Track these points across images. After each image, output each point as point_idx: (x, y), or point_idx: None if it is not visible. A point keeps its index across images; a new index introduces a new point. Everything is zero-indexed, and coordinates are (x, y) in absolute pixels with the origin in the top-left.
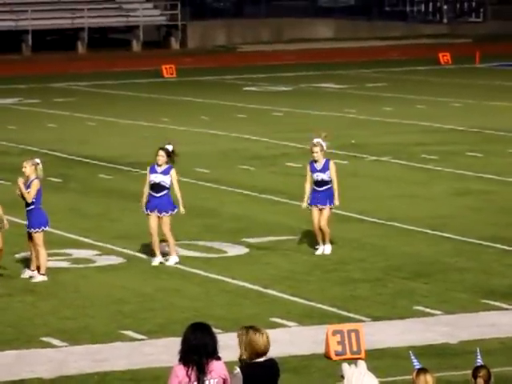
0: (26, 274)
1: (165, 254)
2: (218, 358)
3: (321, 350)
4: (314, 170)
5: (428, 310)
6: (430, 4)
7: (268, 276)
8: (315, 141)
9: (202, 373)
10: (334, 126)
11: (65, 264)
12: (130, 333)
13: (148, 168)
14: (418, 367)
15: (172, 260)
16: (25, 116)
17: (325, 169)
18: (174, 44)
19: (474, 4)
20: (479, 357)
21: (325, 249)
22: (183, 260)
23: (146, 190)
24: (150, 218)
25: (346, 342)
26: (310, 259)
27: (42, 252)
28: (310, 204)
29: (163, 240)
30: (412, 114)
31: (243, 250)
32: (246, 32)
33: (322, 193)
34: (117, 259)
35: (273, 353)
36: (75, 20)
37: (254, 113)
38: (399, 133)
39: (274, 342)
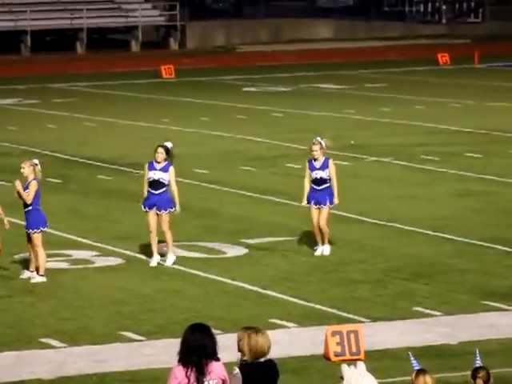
0: (26, 274)
1: (163, 255)
2: (218, 359)
3: (320, 351)
4: (312, 168)
5: (428, 311)
6: (429, 4)
7: (268, 277)
8: (315, 139)
9: (201, 374)
10: (333, 126)
11: (64, 265)
12: (129, 334)
13: (146, 165)
14: (417, 368)
15: (169, 260)
16: (24, 117)
17: (324, 167)
18: (173, 44)
19: (472, 4)
20: (478, 358)
21: (324, 249)
22: (183, 261)
23: (146, 186)
24: (149, 216)
25: (346, 343)
26: (310, 260)
27: (41, 253)
28: (309, 203)
29: (162, 241)
30: (411, 115)
31: (243, 251)
32: (245, 32)
33: (320, 191)
34: (116, 260)
35: (272, 354)
36: (74, 20)
37: (253, 113)
38: (399, 134)
39: (274, 342)
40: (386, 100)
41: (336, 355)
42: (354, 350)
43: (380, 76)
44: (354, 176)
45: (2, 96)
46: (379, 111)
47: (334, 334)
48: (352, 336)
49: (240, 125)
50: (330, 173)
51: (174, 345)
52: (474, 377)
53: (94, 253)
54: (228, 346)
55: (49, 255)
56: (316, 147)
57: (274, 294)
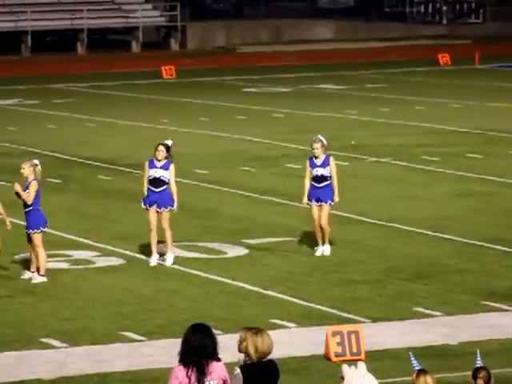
0: (26, 275)
1: (162, 255)
2: (218, 360)
3: (320, 351)
4: (313, 166)
5: (428, 311)
6: (430, 5)
7: (268, 277)
8: (316, 137)
9: (201, 374)
10: (334, 127)
11: (64, 265)
12: (129, 334)
13: (146, 162)
14: (417, 368)
15: (169, 260)
16: (24, 117)
17: (325, 164)
18: (174, 45)
19: (473, 5)
20: (479, 358)
21: (324, 250)
22: (183, 261)
23: (146, 184)
24: (149, 213)
25: (346, 343)
26: (310, 260)
27: (41, 253)
28: (310, 200)
29: (161, 241)
30: (411, 115)
31: (243, 251)
32: (245, 33)
33: (321, 189)
34: (116, 260)
35: (272, 354)
36: (74, 21)
37: (254, 114)
38: (400, 134)
39: (274, 343)
40: (387, 100)
41: (336, 355)
42: (354, 350)
43: (380, 77)
44: (353, 176)
45: (2, 96)
46: (380, 112)
47: (334, 334)
48: (353, 336)
49: (240, 125)
50: (331, 170)
51: (174, 345)
52: (475, 377)
53: (95, 253)
54: (229, 346)
55: (49, 255)
56: (317, 145)
57: (274, 294)
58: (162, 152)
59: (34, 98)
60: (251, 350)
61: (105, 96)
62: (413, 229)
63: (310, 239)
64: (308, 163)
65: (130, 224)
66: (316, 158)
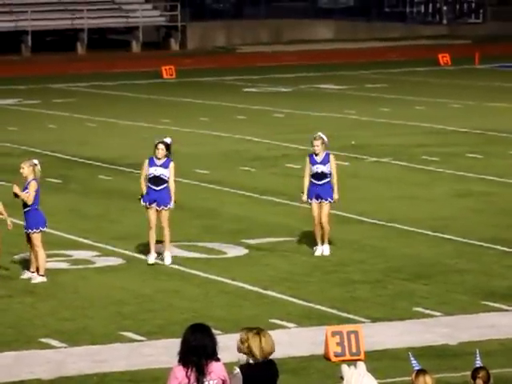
0: (26, 275)
1: (160, 254)
2: (218, 360)
3: (320, 351)
4: (314, 162)
5: (428, 311)
6: (430, 5)
7: (267, 277)
8: (316, 134)
9: (201, 374)
10: (334, 127)
11: (64, 265)
12: (129, 334)
13: (146, 160)
14: (417, 368)
15: (167, 259)
16: (25, 117)
17: (325, 161)
18: (174, 45)
19: (473, 5)
20: (478, 358)
21: (323, 249)
22: (183, 261)
23: (144, 182)
24: (150, 212)
25: (346, 343)
26: (310, 260)
27: (41, 253)
28: (310, 198)
29: (160, 241)
30: (411, 115)
31: (243, 251)
32: (245, 33)
33: (321, 186)
34: (116, 260)
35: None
36: (75, 21)
37: (254, 114)
38: (400, 134)
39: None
40: (387, 100)
41: (336, 355)
42: (354, 350)
43: (380, 76)
44: (353, 176)
45: (2, 96)
46: (380, 112)
47: (334, 334)
48: (352, 336)
49: (240, 125)
50: (331, 168)
51: (174, 345)
52: (474, 377)
53: (94, 253)
54: (228, 346)
55: (49, 255)
56: (317, 142)
57: (274, 294)
58: (161, 150)
59: (34, 98)
60: (256, 351)
61: (105, 96)
62: (413, 229)
63: (309, 239)
64: (308, 160)
65: (130, 224)
66: (316, 155)
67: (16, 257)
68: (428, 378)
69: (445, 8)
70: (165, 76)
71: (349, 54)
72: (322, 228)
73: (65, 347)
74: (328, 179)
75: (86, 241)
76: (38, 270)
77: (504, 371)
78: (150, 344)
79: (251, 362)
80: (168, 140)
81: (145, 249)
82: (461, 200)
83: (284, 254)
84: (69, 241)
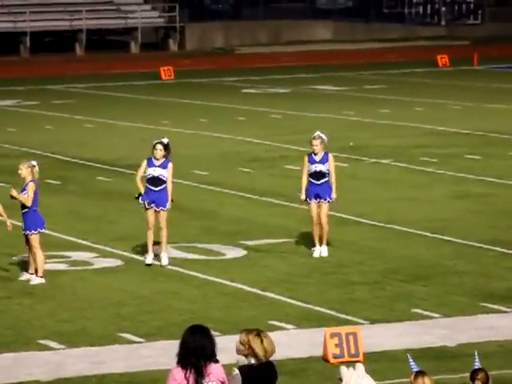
0: (25, 276)
1: (158, 255)
2: (217, 361)
3: (319, 352)
4: (312, 161)
5: (426, 312)
6: (428, 6)
7: (266, 278)
8: (315, 134)
9: (200, 375)
10: (332, 128)
11: (63, 266)
12: (127, 335)
13: (145, 160)
14: (415, 370)
15: (164, 260)
16: (23, 118)
17: (324, 160)
18: (172, 46)
19: (471, 6)
20: (477, 360)
21: (322, 251)
22: (181, 262)
23: (140, 181)
24: (149, 212)
25: (344, 344)
26: (308, 261)
27: (39, 254)
28: (309, 198)
29: (157, 242)
30: (410, 117)
31: (241, 253)
32: (244, 34)
33: (319, 186)
34: (115, 261)
35: None
36: (73, 22)
37: (252, 115)
38: (398, 135)
39: None
40: (385, 101)
41: (335, 357)
42: (352, 351)
43: (379, 77)
44: (352, 177)
45: (1, 97)
46: (378, 113)
47: (332, 335)
48: (351, 338)
49: (239, 126)
50: (330, 167)
51: (172, 346)
52: (473, 379)
53: (93, 254)
54: (227, 348)
55: (48, 257)
56: (317, 141)
57: (272, 295)
58: (160, 151)
59: (32, 99)
60: (260, 352)
61: (104, 97)
62: (411, 230)
63: (308, 240)
64: (306, 159)
65: (129, 225)
66: (315, 154)
67: (15, 258)
68: (427, 380)
69: (443, 9)
70: (163, 77)
71: (347, 55)
72: (321, 228)
73: (63, 349)
74: (326, 179)
75: (84, 242)
76: (36, 272)
77: (502, 373)
78: (148, 345)
79: (253, 363)
80: (165, 140)
81: (143, 250)
82: (460, 201)
83: (282, 255)
84: (67, 242)
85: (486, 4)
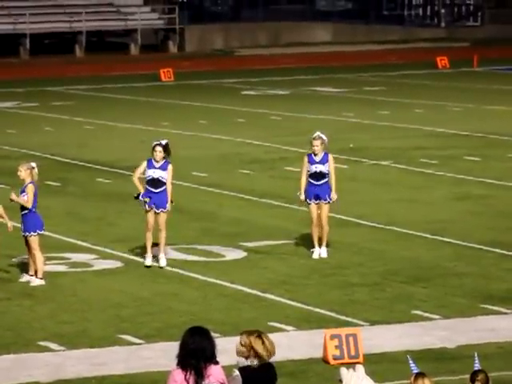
0: (25, 278)
1: (155, 256)
2: (216, 363)
3: (319, 354)
4: (312, 162)
5: (426, 314)
6: (428, 8)
7: (266, 280)
8: (316, 134)
9: (200, 377)
10: (332, 129)
11: (63, 268)
12: (127, 337)
13: (145, 161)
14: (415, 371)
15: (162, 261)
16: (23, 120)
17: (324, 161)
18: (172, 48)
19: (471, 8)
20: (477, 361)
21: (321, 252)
22: (181, 264)
23: (138, 181)
24: (148, 214)
25: (344, 346)
26: (308, 263)
27: (39, 256)
28: (309, 199)
29: (156, 243)
30: (410, 118)
31: (241, 254)
32: (243, 36)
33: (319, 187)
34: (115, 263)
35: None
36: (73, 23)
37: (252, 117)
38: (398, 137)
39: None
40: (385, 103)
41: (335, 358)
42: (352, 353)
43: (379, 79)
44: (352, 179)
45: (0, 99)
46: (378, 114)
47: (332, 337)
48: (351, 339)
49: (238, 128)
50: (330, 168)
51: (172, 348)
52: (473, 380)
53: (93, 256)
54: (227, 350)
55: (47, 258)
56: (317, 142)
57: (272, 297)
58: (159, 153)
59: (32, 101)
60: (263, 352)
61: (104, 99)
62: (411, 232)
63: (307, 242)
64: (306, 159)
65: (129, 227)
66: (315, 154)
67: (15, 260)
68: (427, 381)
69: (443, 11)
70: (163, 79)
71: (347, 57)
72: (321, 229)
73: (63, 350)
74: (326, 179)
75: (84, 244)
76: (36, 273)
77: (502, 374)
78: (148, 347)
79: (254, 364)
80: (164, 141)
81: (143, 251)
82: (459, 203)
83: (282, 256)
84: (67, 244)
85: (485, 6)
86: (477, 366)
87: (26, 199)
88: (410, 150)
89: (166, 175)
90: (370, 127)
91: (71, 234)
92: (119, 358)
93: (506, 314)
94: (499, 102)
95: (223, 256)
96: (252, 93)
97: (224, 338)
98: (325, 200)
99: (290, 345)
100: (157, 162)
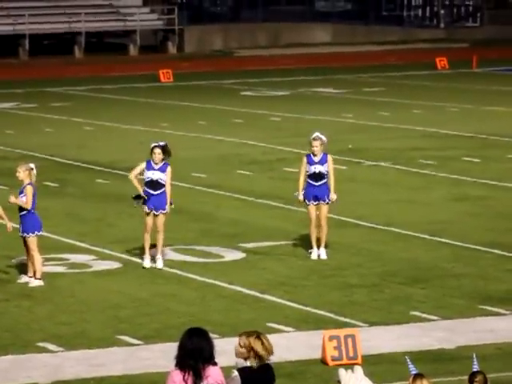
0: (23, 279)
1: (153, 257)
2: (215, 364)
3: (317, 355)
4: (311, 162)
5: (425, 315)
6: (427, 9)
7: (265, 281)
8: (315, 135)
9: (198, 378)
10: (331, 130)
11: (61, 269)
12: (126, 338)
13: (144, 162)
14: (414, 372)
15: (159, 263)
16: (22, 120)
17: (323, 161)
18: (171, 48)
19: (470, 9)
20: (475, 362)
21: (320, 253)
22: (180, 265)
23: (136, 181)
24: (148, 216)
25: (343, 347)
26: (307, 264)
27: (37, 257)
28: (308, 200)
29: (154, 244)
30: (409, 119)
31: (240, 255)
32: (243, 36)
33: (318, 188)
34: (113, 264)
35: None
36: (72, 24)
37: (251, 117)
38: (397, 138)
39: None
40: (385, 104)
41: (333, 359)
42: (351, 354)
43: (378, 80)
44: (351, 180)
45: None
46: (377, 115)
47: (331, 338)
48: (349, 340)
49: (238, 129)
50: (329, 169)
51: (171, 349)
52: (471, 381)
53: (92, 257)
54: (225, 351)
55: (46, 259)
56: (316, 143)
57: (271, 298)
58: (158, 155)
59: (31, 102)
60: (263, 352)
61: (103, 99)
62: (410, 233)
63: (306, 243)
64: (305, 160)
65: (128, 228)
66: (314, 155)
67: (14, 260)
68: (425, 382)
69: (442, 12)
70: (162, 79)
71: (346, 58)
72: (319, 230)
73: (62, 351)
74: (325, 180)
75: (83, 244)
76: (35, 274)
77: (501, 375)
78: (147, 348)
79: (253, 365)
80: (162, 143)
81: (142, 252)
82: (458, 204)
83: (281, 257)
84: (66, 244)
85: (485, 6)
86: (475, 367)
87: (25, 200)
88: (409, 150)
89: (165, 177)
90: (369, 128)
91: (70, 234)
92: (118, 359)
93: (504, 315)
94: (498, 103)
95: (222, 257)
96: (251, 93)
97: (223, 339)
98: (324, 201)
99: (288, 346)
100: (156, 163)
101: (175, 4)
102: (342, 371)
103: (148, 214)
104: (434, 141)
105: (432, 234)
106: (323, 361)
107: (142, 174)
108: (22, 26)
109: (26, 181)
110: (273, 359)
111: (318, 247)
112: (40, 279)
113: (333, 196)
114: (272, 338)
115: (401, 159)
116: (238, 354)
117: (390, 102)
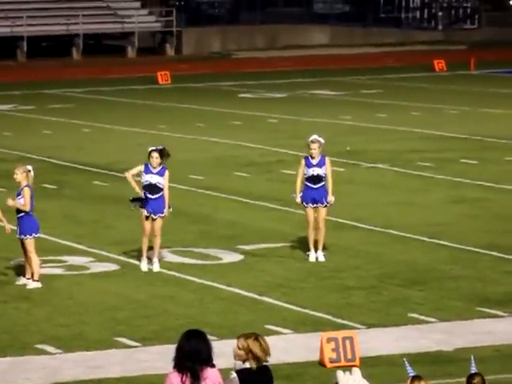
0: (22, 281)
1: (149, 259)
2: (213, 366)
3: (315, 357)
4: (309, 165)
5: (423, 317)
6: (425, 11)
7: (263, 283)
8: (313, 137)
9: (196, 380)
10: (329, 132)
11: (59, 271)
12: (124, 340)
13: (143, 166)
14: (412, 374)
15: (156, 266)
16: (20, 122)
17: (321, 164)
18: (169, 50)
19: (468, 11)
20: (473, 364)
21: (318, 256)
22: (178, 267)
23: (134, 181)
24: (147, 220)
25: (341, 349)
26: (305, 266)
27: (35, 258)
28: (306, 202)
29: (152, 247)
30: (407, 121)
31: (238, 257)
32: (241, 38)
33: (316, 190)
34: (111, 266)
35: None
36: (70, 26)
37: (249, 119)
38: (395, 140)
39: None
40: (382, 106)
41: (331, 361)
42: (349, 356)
43: (376, 82)
44: (349, 182)
45: None
46: (375, 117)
47: (329, 340)
48: (347, 342)
49: (235, 131)
50: (327, 171)
51: (169, 351)
52: (469, 383)
53: (89, 259)
54: (224, 353)
55: (44, 261)
56: (315, 145)
57: (269, 300)
58: (156, 159)
59: (29, 104)
60: (261, 354)
61: (101, 101)
62: (408, 235)
63: (304, 245)
64: (303, 162)
65: (125, 230)
66: (312, 157)
67: (12, 262)
68: None
69: (440, 14)
70: (160, 81)
71: (344, 60)
72: (318, 233)
73: (60, 353)
74: (323, 183)
75: (80, 246)
76: (32, 276)
77: (499, 377)
78: (145, 350)
79: (251, 367)
80: (160, 147)
81: (139, 254)
82: (456, 206)
83: (279, 259)
84: (64, 246)
85: (482, 9)
86: (473, 369)
87: (23, 202)
88: (407, 152)
89: (163, 181)
90: (367, 130)
91: (67, 236)
92: (116, 361)
93: (502, 317)
94: (496, 105)
95: (220, 259)
96: (249, 96)
97: (221, 341)
98: (322, 203)
99: (286, 348)
100: (154, 167)
101: (173, 6)
102: (339, 373)
103: (147, 217)
104: (431, 143)
105: (430, 236)
106: (321, 363)
107: (138, 175)
108: (19, 28)
109: (24, 183)
110: (271, 361)
111: (316, 249)
112: (38, 281)
113: (331, 198)
114: (270, 340)
115: (399, 161)
116: (236, 357)
117: (387, 104)
